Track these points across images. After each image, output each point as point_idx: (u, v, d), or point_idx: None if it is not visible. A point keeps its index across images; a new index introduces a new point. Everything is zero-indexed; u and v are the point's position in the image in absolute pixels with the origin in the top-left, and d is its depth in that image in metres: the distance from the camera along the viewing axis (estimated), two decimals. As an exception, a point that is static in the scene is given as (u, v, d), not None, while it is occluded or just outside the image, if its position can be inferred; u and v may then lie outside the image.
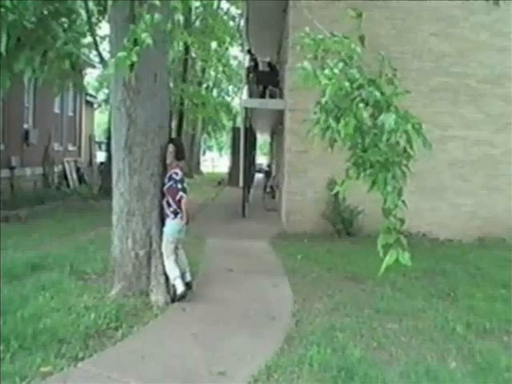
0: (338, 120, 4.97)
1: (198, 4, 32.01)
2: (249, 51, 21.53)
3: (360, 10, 5.52)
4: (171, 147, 8.19)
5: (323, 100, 5.03)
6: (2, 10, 7.17)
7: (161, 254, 8.00)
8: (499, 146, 15.30)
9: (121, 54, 5.65)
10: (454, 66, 15.30)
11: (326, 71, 4.92)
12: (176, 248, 8.15)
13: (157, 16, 5.89)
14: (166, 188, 8.06)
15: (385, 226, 4.93)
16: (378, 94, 4.86)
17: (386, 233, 4.91)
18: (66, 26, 9.22)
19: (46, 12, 8.73)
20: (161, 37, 7.40)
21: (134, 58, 5.65)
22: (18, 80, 8.82)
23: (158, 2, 6.23)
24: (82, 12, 10.70)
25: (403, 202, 4.94)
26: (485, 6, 12.55)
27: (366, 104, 4.90)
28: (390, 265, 4.93)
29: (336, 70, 4.90)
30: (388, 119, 4.69)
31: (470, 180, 15.33)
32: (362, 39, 5.28)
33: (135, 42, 5.66)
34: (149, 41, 5.68)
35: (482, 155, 15.34)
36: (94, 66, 26.75)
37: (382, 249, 4.94)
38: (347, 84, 4.88)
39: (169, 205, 8.05)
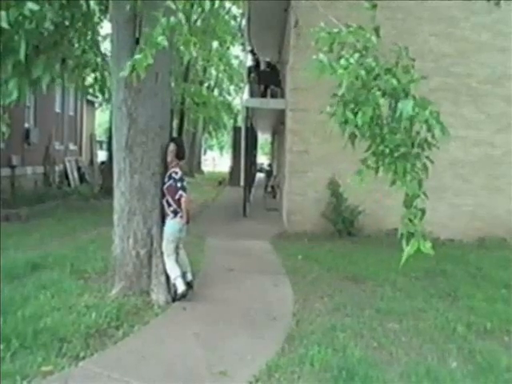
0: (354, 112, 4.98)
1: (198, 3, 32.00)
2: (251, 51, 21.51)
3: (376, 3, 5.55)
4: (172, 146, 8.20)
5: (340, 92, 5.04)
6: (20, 18, 7.19)
7: (161, 254, 8.00)
8: (500, 147, 15.28)
9: (137, 56, 5.71)
10: (454, 66, 15.28)
11: (342, 61, 4.93)
12: (177, 247, 8.16)
13: (172, 19, 5.92)
14: (165, 187, 8.07)
15: (404, 217, 4.94)
16: (394, 81, 4.87)
17: (406, 223, 4.92)
18: (80, 32, 9.29)
19: (61, 19, 8.80)
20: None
21: (150, 61, 5.70)
22: (36, 87, 8.85)
23: (173, 5, 6.25)
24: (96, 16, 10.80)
25: (424, 193, 4.95)
26: (485, 6, 12.54)
27: (384, 93, 4.91)
28: (409, 255, 4.93)
29: (352, 60, 4.91)
30: (406, 106, 4.71)
31: (470, 180, 15.31)
32: (377, 30, 5.30)
33: (151, 45, 5.70)
34: (165, 43, 5.73)
35: (483, 155, 15.33)
36: (96, 68, 26.74)
37: (402, 239, 4.94)
38: (363, 73, 4.89)
39: (168, 204, 8.05)
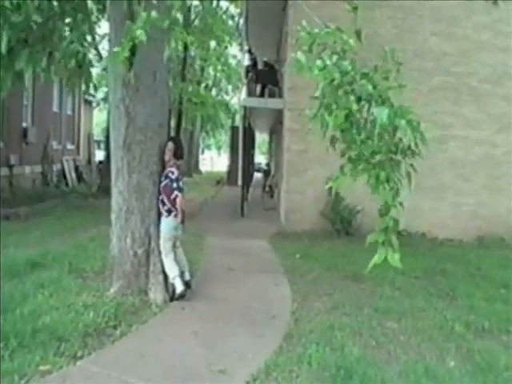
0: (330, 113, 4.96)
1: (196, 3, 31.98)
2: (249, 51, 21.50)
3: (357, 5, 5.52)
4: (170, 144, 8.19)
5: (316, 93, 5.03)
6: (2, 10, 7.18)
7: (159, 253, 7.99)
8: (500, 146, 15.31)
9: (116, 49, 5.68)
10: (455, 65, 15.30)
11: (319, 62, 4.91)
12: (174, 246, 8.15)
13: (153, 14, 5.90)
14: (161, 186, 8.06)
15: (380, 225, 4.92)
16: (370, 87, 4.83)
17: (380, 232, 4.90)
18: (71, 25, 9.25)
19: (51, 13, 8.76)
20: (160, 36, 7.40)
21: (126, 54, 5.67)
22: (19, 80, 8.83)
23: (155, 1, 6.24)
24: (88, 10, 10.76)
25: (400, 203, 4.91)
26: (486, 5, 12.58)
27: (359, 98, 4.88)
28: (377, 263, 4.90)
29: (328, 62, 4.89)
30: (380, 113, 4.65)
31: (470, 180, 15.33)
32: (358, 33, 5.27)
33: (130, 38, 5.68)
34: (143, 37, 5.69)
35: (483, 155, 15.35)
36: (92, 65, 26.76)
37: (370, 246, 4.92)
38: (338, 76, 4.86)
39: (163, 203, 8.04)
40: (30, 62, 8.13)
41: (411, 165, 5.02)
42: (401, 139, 4.90)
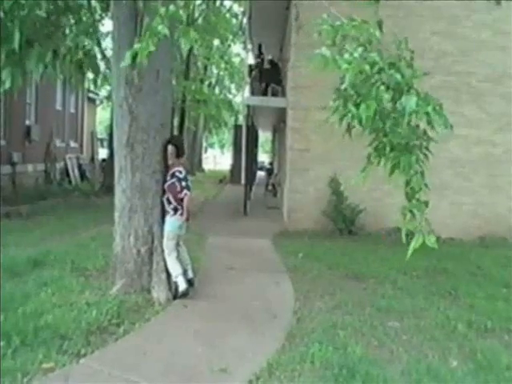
0: (357, 106, 4.97)
1: (199, 1, 31.99)
2: (259, 49, 21.43)
3: (357, 8, 5.54)
4: (170, 148, 8.19)
5: (343, 86, 5.04)
6: (15, 5, 7.21)
7: (162, 251, 8.01)
8: (500, 145, 15.28)
9: (137, 45, 5.70)
10: (455, 64, 15.28)
11: (346, 55, 4.93)
12: (177, 245, 8.17)
13: (171, 7, 5.93)
14: (166, 185, 8.07)
15: (407, 210, 4.94)
16: (398, 76, 4.87)
17: (408, 217, 4.93)
18: (75, 20, 9.27)
19: (54, 8, 8.79)
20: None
21: (152, 48, 5.70)
22: (27, 78, 8.87)
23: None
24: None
25: (426, 185, 4.95)
26: (486, 4, 12.54)
27: (387, 87, 4.91)
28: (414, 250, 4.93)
29: (356, 54, 4.91)
30: (409, 101, 4.71)
31: (471, 179, 15.31)
32: (379, 24, 5.29)
33: (151, 33, 5.70)
34: (165, 31, 5.72)
35: (483, 154, 15.33)
36: (99, 67, 26.75)
37: (406, 235, 4.96)
38: (367, 67, 4.89)
39: (169, 202, 8.06)
40: (39, 60, 8.17)
41: (426, 147, 5.08)
42: (418, 125, 4.96)
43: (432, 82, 15.10)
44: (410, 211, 4.98)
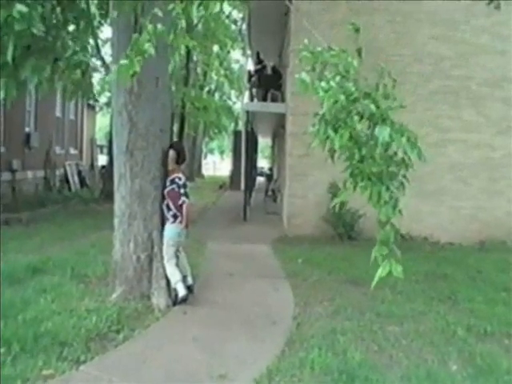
0: (336, 130, 5.01)
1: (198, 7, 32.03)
2: (257, 56, 21.47)
3: (359, 27, 5.55)
4: (172, 153, 8.23)
5: (321, 112, 5.08)
6: (9, 19, 7.21)
7: (162, 258, 8.02)
8: (499, 149, 15.30)
9: (123, 62, 5.68)
10: (454, 69, 15.31)
11: (323, 84, 4.96)
12: (177, 251, 8.18)
13: (159, 27, 5.92)
14: (166, 191, 8.10)
15: (381, 238, 4.96)
16: (373, 107, 4.89)
17: (380, 244, 4.94)
18: (74, 34, 9.30)
19: (54, 21, 8.80)
20: (163, 43, 7.43)
21: (137, 68, 5.68)
22: (23, 89, 8.89)
23: (160, 13, 6.24)
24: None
25: (400, 211, 4.95)
26: (485, 9, 12.56)
27: (361, 117, 4.93)
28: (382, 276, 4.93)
29: (333, 83, 4.94)
30: (382, 132, 4.72)
31: (470, 183, 15.33)
32: (359, 52, 5.32)
33: (138, 52, 5.69)
34: (151, 51, 5.71)
35: (483, 158, 15.34)
36: (96, 70, 26.80)
37: (375, 260, 4.96)
38: (343, 97, 4.91)
39: (168, 208, 8.08)
40: (35, 71, 8.18)
41: (404, 176, 5.08)
42: (395, 153, 4.96)
43: (430, 86, 15.20)
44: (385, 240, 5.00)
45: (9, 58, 7.47)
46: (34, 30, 7.69)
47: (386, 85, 5.18)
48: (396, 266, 4.83)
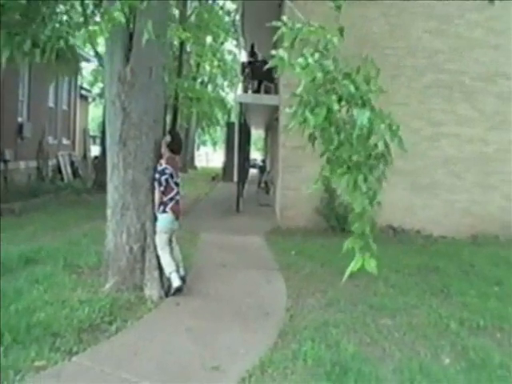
0: (313, 112, 4.92)
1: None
2: (251, 48, 21.42)
3: (341, 4, 5.49)
4: (167, 137, 8.24)
5: (298, 91, 5.00)
6: None
7: (155, 248, 8.00)
8: (493, 144, 15.32)
9: (92, 27, 5.66)
10: (447, 63, 15.31)
11: (300, 60, 4.87)
12: (170, 241, 8.16)
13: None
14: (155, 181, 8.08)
15: (356, 230, 4.92)
16: (352, 88, 4.80)
17: (354, 236, 4.90)
18: (53, 8, 9.22)
19: None
20: (156, 31, 7.40)
21: (106, 34, 5.65)
22: (12, 68, 8.84)
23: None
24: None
25: (378, 203, 4.90)
26: (479, 3, 12.55)
27: (340, 97, 4.84)
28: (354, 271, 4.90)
29: (310, 60, 4.85)
30: (361, 116, 4.59)
31: (463, 177, 15.34)
32: (340, 31, 5.24)
33: (108, 19, 5.64)
34: (121, 19, 5.66)
35: (476, 152, 15.36)
36: (88, 60, 26.74)
37: (347, 252, 4.93)
38: (320, 75, 4.83)
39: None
40: (8, 42, 8.10)
41: (383, 172, 5.00)
42: (376, 145, 4.86)
43: (424, 80, 15.20)
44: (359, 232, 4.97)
45: None
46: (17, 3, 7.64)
47: (368, 69, 5.08)
48: (369, 260, 4.78)
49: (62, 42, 8.44)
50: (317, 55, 4.91)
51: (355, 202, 4.83)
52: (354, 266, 4.78)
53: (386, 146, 4.73)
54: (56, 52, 8.61)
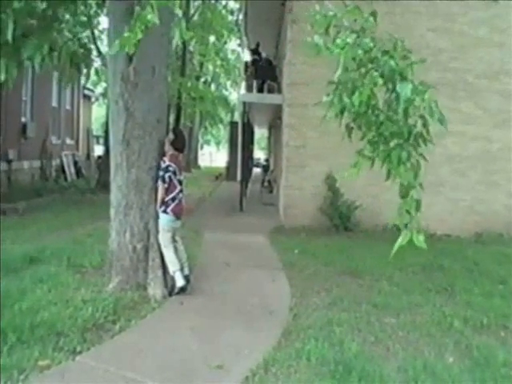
0: (351, 96, 4.94)
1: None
2: (256, 47, 21.41)
3: (358, 4, 5.50)
4: (170, 135, 8.24)
5: (337, 74, 5.01)
6: None
7: (158, 248, 8.00)
8: (497, 142, 15.30)
9: (126, 34, 5.66)
10: (451, 61, 15.28)
11: (339, 41, 4.89)
12: (173, 239, 8.16)
13: None
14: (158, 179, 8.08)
15: (401, 208, 4.92)
16: (393, 63, 4.83)
17: (402, 215, 4.90)
18: (71, 11, 9.27)
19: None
20: (159, 30, 7.39)
21: (140, 35, 5.65)
22: (21, 69, 8.87)
23: None
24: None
25: (420, 184, 4.92)
26: (483, 1, 12.53)
27: (381, 75, 4.87)
28: (401, 246, 4.86)
29: (349, 40, 4.87)
30: (404, 88, 4.66)
31: (467, 175, 15.33)
32: (374, 15, 5.25)
33: (142, 21, 5.66)
34: (154, 20, 5.67)
35: (480, 151, 15.35)
36: (91, 60, 26.74)
37: (396, 228, 4.93)
38: (360, 52, 4.85)
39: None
40: (37, 49, 8.15)
41: (421, 154, 5.04)
42: (414, 125, 4.92)
43: (428, 78, 14.95)
44: (406, 210, 4.96)
45: (9, 36, 7.44)
46: (33, 9, 7.68)
47: (403, 44, 5.13)
48: (417, 234, 4.78)
49: (76, 45, 8.51)
50: (353, 35, 4.94)
51: (401, 177, 4.81)
52: (401, 240, 4.76)
53: (425, 124, 4.80)
54: (70, 56, 8.68)
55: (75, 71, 9.75)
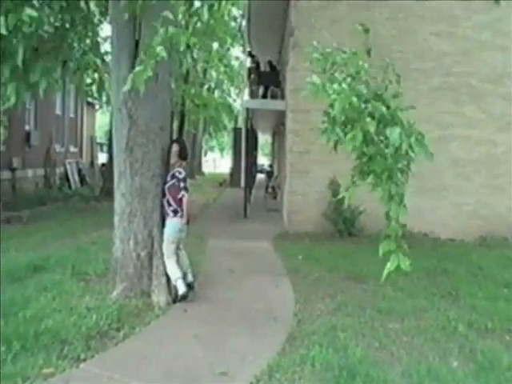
0: (344, 130, 5.06)
1: (198, 4, 31.99)
2: (249, 53, 21.50)
3: (369, 28, 5.57)
4: (175, 146, 8.24)
5: (332, 113, 5.11)
6: (19, 23, 7.23)
7: (162, 255, 8.01)
8: (501, 145, 15.29)
9: (138, 68, 5.71)
10: (455, 65, 15.29)
11: (335, 86, 4.98)
12: (177, 248, 8.17)
13: (171, 29, 5.92)
14: (167, 186, 8.09)
15: (387, 232, 5.01)
16: (383, 108, 4.93)
17: (388, 239, 4.99)
18: (80, 35, 9.35)
19: (61, 22, 8.86)
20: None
21: (150, 73, 5.70)
22: (36, 92, 8.95)
23: (171, 16, 6.23)
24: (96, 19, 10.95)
25: (404, 205, 5.00)
26: (486, 5, 12.54)
27: (373, 118, 4.97)
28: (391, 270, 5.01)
29: (344, 85, 4.96)
30: (393, 133, 4.78)
31: (471, 179, 15.31)
32: (368, 52, 5.35)
33: (151, 56, 5.72)
34: (164, 54, 5.72)
35: (484, 154, 15.33)
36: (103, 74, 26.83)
37: (383, 255, 5.05)
38: (355, 99, 4.93)
39: (169, 204, 8.07)
40: (44, 74, 8.20)
41: (406, 165, 5.16)
42: (404, 155, 5.08)
43: (432, 82, 15.18)
44: (389, 234, 5.09)
45: (19, 61, 7.49)
46: (43, 33, 7.75)
47: (391, 82, 5.25)
48: (404, 259, 4.94)
49: (90, 72, 8.61)
50: (348, 80, 5.06)
51: (391, 210, 4.95)
52: (390, 265, 4.94)
53: (413, 151, 4.94)
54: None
55: (89, 89, 9.86)
